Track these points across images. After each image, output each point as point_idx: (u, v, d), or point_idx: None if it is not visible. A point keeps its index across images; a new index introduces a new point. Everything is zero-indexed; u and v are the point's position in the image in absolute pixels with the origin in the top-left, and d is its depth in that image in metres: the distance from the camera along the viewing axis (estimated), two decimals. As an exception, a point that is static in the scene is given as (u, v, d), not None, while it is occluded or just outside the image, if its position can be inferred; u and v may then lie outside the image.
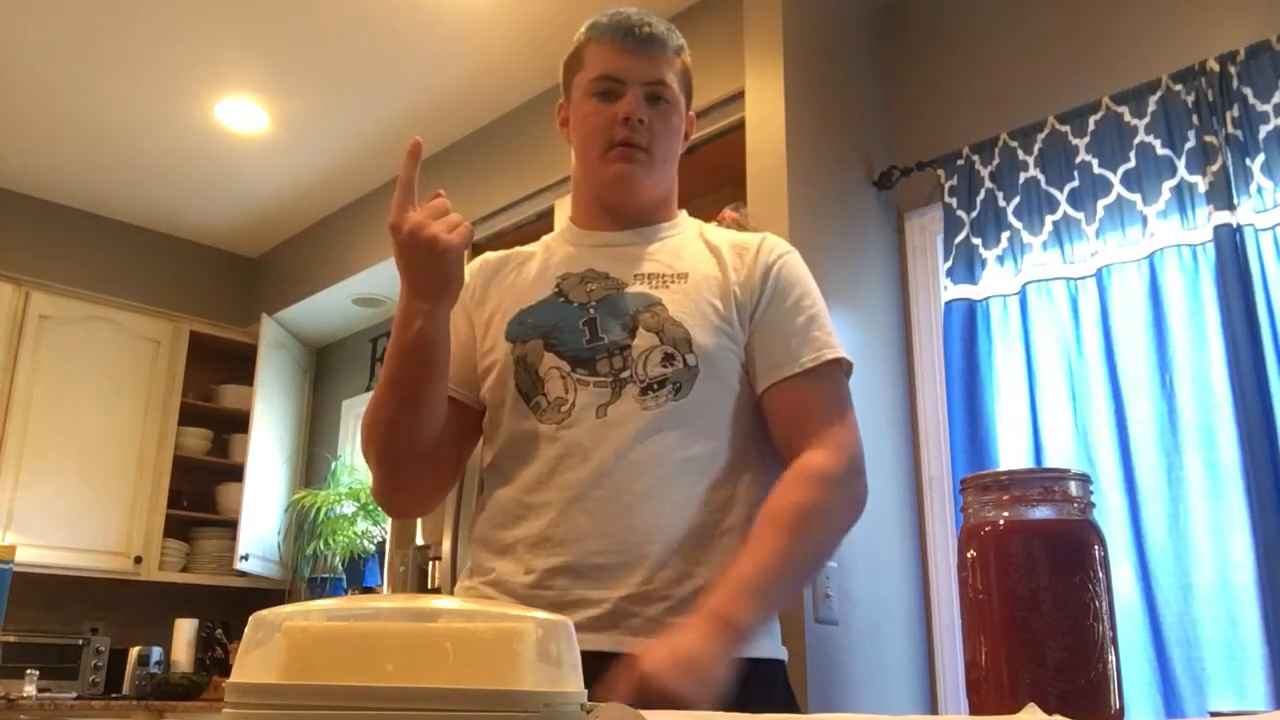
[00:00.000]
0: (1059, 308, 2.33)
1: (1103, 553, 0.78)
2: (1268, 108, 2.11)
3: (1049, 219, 2.39)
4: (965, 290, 2.48)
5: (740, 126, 2.63)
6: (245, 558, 4.21)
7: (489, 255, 1.46)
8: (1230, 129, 2.13)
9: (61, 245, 4.56)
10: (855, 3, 2.88)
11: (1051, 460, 2.24)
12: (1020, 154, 2.47)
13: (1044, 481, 0.79)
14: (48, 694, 3.84)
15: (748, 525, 1.28)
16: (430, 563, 3.35)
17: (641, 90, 1.34)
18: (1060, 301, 2.34)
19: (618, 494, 1.21)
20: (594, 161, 1.36)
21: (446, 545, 3.10)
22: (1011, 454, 2.31)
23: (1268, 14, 2.20)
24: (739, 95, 2.67)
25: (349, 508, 4.28)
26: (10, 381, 4.14)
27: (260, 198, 4.53)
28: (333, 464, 4.54)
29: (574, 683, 0.56)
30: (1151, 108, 2.27)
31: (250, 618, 0.56)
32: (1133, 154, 2.28)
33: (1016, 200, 2.45)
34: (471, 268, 1.45)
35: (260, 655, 0.54)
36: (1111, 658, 0.75)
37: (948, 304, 2.49)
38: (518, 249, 1.47)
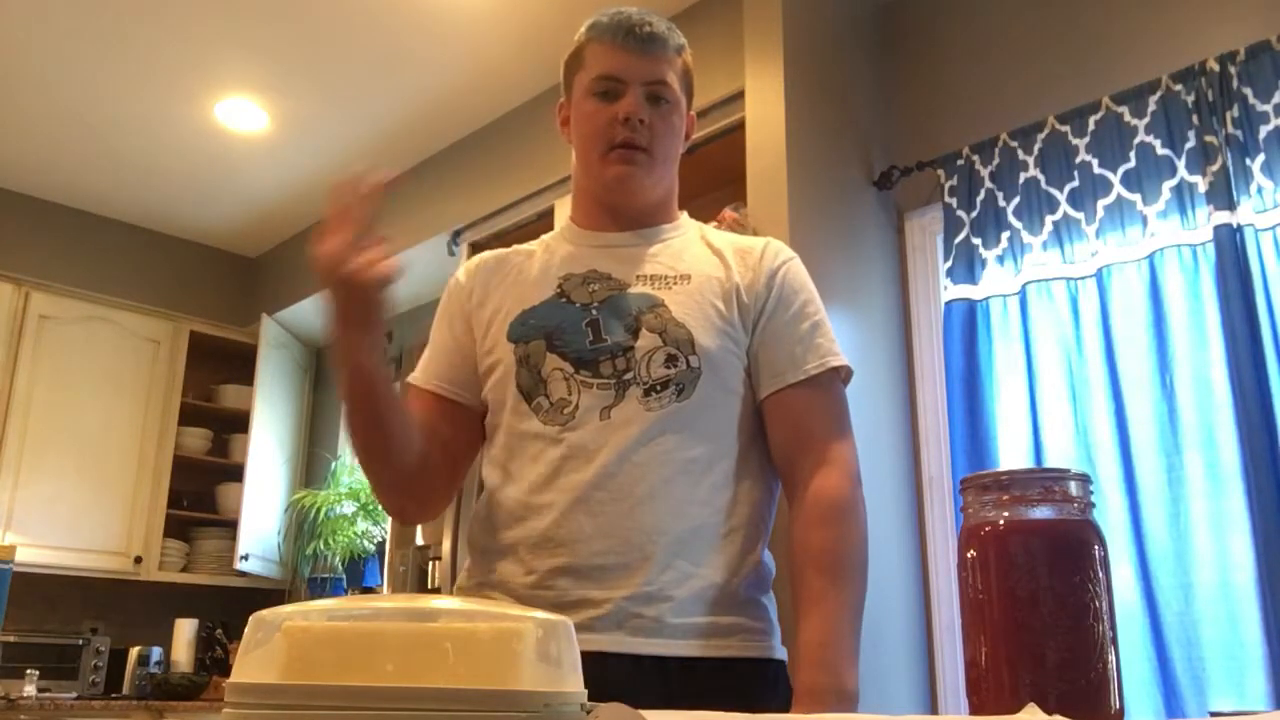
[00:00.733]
0: (1059, 308, 2.33)
1: (1103, 553, 0.78)
2: (1268, 108, 2.11)
3: (1049, 219, 2.39)
4: (965, 290, 2.48)
5: (740, 126, 2.63)
6: (245, 558, 4.21)
7: (485, 255, 1.45)
8: (1230, 129, 2.13)
9: (61, 245, 4.56)
10: (855, 3, 2.88)
11: (1051, 460, 2.24)
12: (1020, 154, 2.47)
13: (1044, 481, 0.79)
14: (48, 694, 3.84)
15: (750, 526, 1.28)
16: (430, 563, 3.35)
17: (642, 90, 1.34)
18: (1060, 301, 2.34)
19: (621, 495, 1.21)
20: (594, 162, 1.36)
21: (446, 545, 3.10)
22: (1011, 454, 2.31)
23: (1268, 14, 2.20)
24: (739, 95, 2.67)
25: (349, 508, 4.28)
26: (10, 381, 4.14)
27: (260, 198, 4.53)
28: (333, 464, 4.54)
29: (574, 683, 0.56)
30: (1151, 108, 2.27)
31: (250, 618, 0.56)
32: (1133, 154, 2.28)
33: (1016, 200, 2.45)
34: (468, 268, 1.44)
35: (260, 655, 0.54)
36: (1111, 658, 0.75)
37: (948, 304, 2.49)
38: (516, 247, 1.46)
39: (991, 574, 0.78)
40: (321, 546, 4.21)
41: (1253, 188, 2.09)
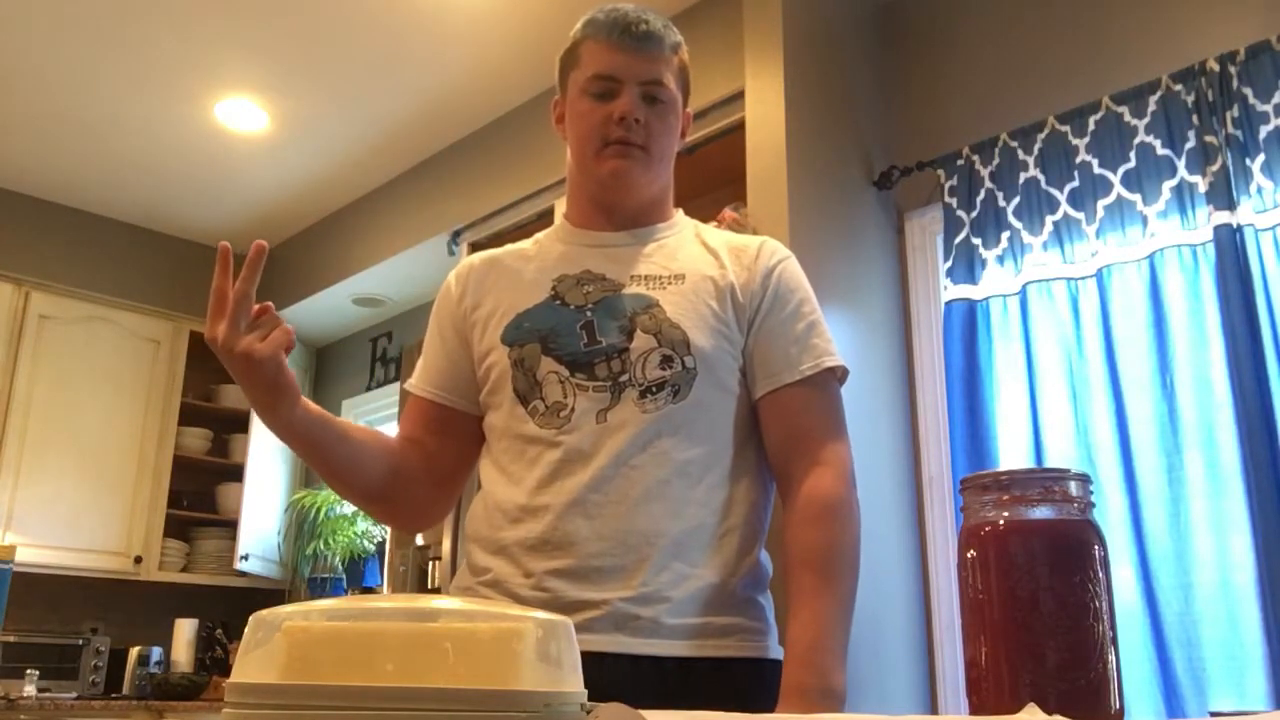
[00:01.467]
0: (1059, 308, 2.33)
1: (1103, 553, 0.78)
2: (1268, 108, 2.11)
3: (1049, 219, 2.39)
4: (965, 290, 2.48)
5: (740, 126, 2.63)
6: (245, 558, 4.21)
7: (474, 258, 1.45)
8: (1230, 129, 2.13)
9: (61, 245, 4.56)
10: (855, 2, 2.88)
11: (1051, 460, 2.24)
12: (1020, 154, 2.47)
13: (1044, 481, 0.79)
14: (48, 694, 3.84)
15: (746, 526, 1.28)
16: (430, 563, 3.35)
17: (638, 89, 1.33)
18: (1060, 301, 2.34)
19: (617, 497, 1.21)
20: (589, 159, 1.35)
21: (446, 545, 3.10)
22: (1011, 454, 2.31)
23: (1268, 14, 2.20)
24: (739, 95, 2.67)
25: (349, 508, 4.28)
26: (10, 381, 4.14)
27: (260, 198, 4.53)
28: (333, 464, 4.53)
29: (574, 683, 0.56)
30: (1151, 108, 2.27)
31: (250, 618, 0.56)
32: (1133, 154, 2.28)
33: (1016, 200, 2.45)
34: (458, 272, 1.44)
35: (260, 655, 0.54)
36: (1111, 658, 0.75)
37: (948, 304, 2.49)
38: (508, 248, 1.46)
39: (991, 574, 0.78)
40: (321, 546, 4.21)
41: (1253, 188, 2.09)
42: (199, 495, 4.64)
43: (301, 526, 4.38)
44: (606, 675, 1.08)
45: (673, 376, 1.25)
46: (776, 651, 1.29)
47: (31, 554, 3.94)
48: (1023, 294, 2.39)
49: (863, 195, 2.69)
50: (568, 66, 1.40)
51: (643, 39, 1.33)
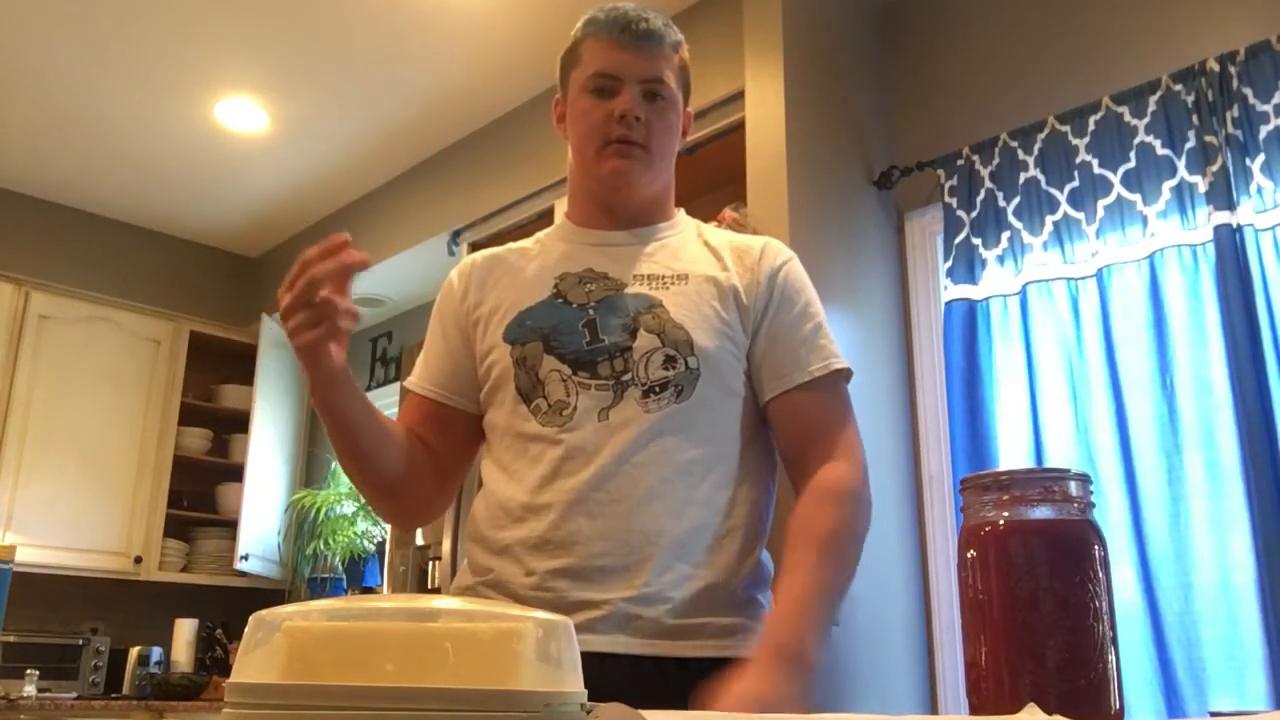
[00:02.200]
0: (1059, 308, 2.33)
1: (1103, 553, 0.78)
2: (1268, 108, 2.11)
3: (1049, 219, 2.39)
4: (965, 290, 2.48)
5: (740, 126, 2.63)
6: (245, 558, 4.21)
7: (477, 256, 1.45)
8: (1230, 129, 2.13)
9: (61, 245, 4.56)
10: (855, 3, 2.88)
11: (1052, 460, 2.24)
12: (1020, 154, 2.47)
13: (1044, 481, 0.79)
14: (48, 694, 3.84)
15: (749, 527, 1.28)
16: (430, 563, 3.35)
17: (639, 87, 1.33)
18: (1061, 301, 2.34)
19: (620, 497, 1.21)
20: (590, 158, 1.35)
21: (446, 545, 3.10)
22: (1011, 454, 2.31)
23: (1268, 14, 2.20)
24: (739, 95, 2.67)
25: (349, 508, 4.28)
26: (10, 381, 4.14)
27: (260, 198, 4.53)
28: (333, 464, 4.54)
29: (574, 683, 0.56)
30: (1151, 108, 2.27)
31: (250, 618, 0.56)
32: (1133, 154, 2.28)
33: (1016, 200, 2.45)
34: (461, 270, 1.44)
35: (260, 655, 0.54)
36: (1111, 658, 0.75)
37: (948, 304, 2.49)
38: (510, 246, 1.46)
39: (991, 574, 0.78)
40: (321, 546, 4.21)
41: (1253, 188, 2.09)
42: (199, 495, 4.64)
43: (301, 526, 4.38)
44: (608, 675, 1.08)
45: (676, 376, 1.25)
46: (778, 651, 1.29)
47: (31, 554, 3.94)
48: (1023, 294, 2.39)
49: (863, 195, 2.69)
50: (568, 65, 1.40)
51: (643, 37, 1.33)
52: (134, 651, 4.17)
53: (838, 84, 2.73)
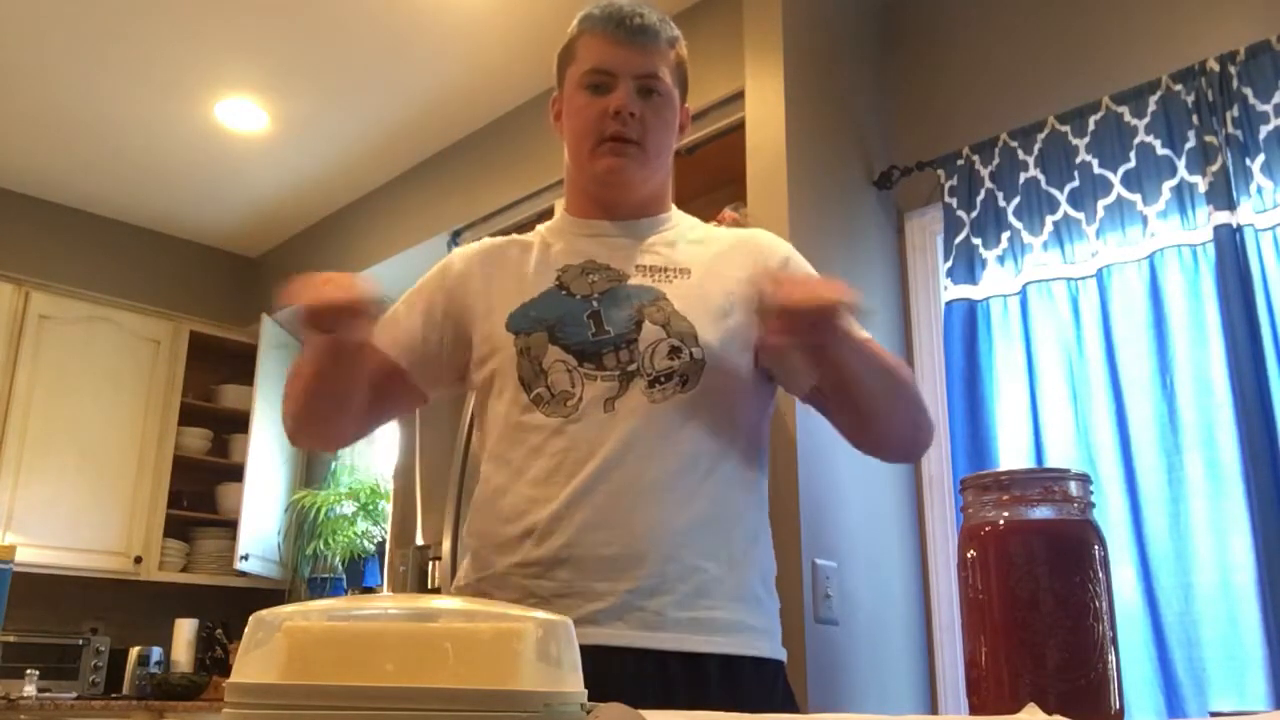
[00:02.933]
0: (1059, 308, 2.33)
1: (1103, 553, 0.78)
2: (1268, 108, 2.11)
3: (1049, 219, 2.39)
4: (965, 290, 2.48)
5: (740, 126, 2.63)
6: (245, 558, 4.20)
7: (479, 244, 1.45)
8: (1230, 129, 2.13)
9: (61, 245, 4.55)
10: (855, 3, 2.88)
11: (1052, 460, 2.24)
12: (1020, 154, 2.47)
13: (1044, 481, 0.79)
14: (48, 694, 3.84)
15: (754, 521, 1.29)
16: (430, 563, 3.35)
17: (633, 83, 1.33)
18: (1061, 301, 2.34)
19: (625, 487, 1.21)
20: (585, 155, 1.35)
21: (446, 545, 3.10)
22: (1011, 454, 2.31)
23: (1268, 14, 2.20)
24: (739, 95, 2.67)
25: (349, 508, 4.28)
26: (10, 381, 4.13)
27: (260, 198, 4.53)
28: (333, 464, 4.54)
29: (574, 683, 0.56)
30: (1151, 108, 2.27)
31: (250, 618, 0.56)
32: (1133, 154, 2.28)
33: (1017, 200, 2.45)
34: (464, 254, 1.43)
35: (260, 655, 0.54)
36: (1111, 658, 0.75)
37: (948, 304, 2.49)
38: (512, 237, 1.46)
39: (991, 574, 0.78)
40: (321, 546, 4.21)
41: (1253, 188, 2.09)
42: (199, 495, 4.64)
43: (301, 526, 4.38)
44: (610, 669, 1.08)
45: (681, 366, 1.25)
46: (780, 652, 1.29)
47: (31, 554, 3.94)
48: (1023, 294, 2.39)
49: (863, 195, 2.69)
50: (564, 62, 1.40)
51: (637, 32, 1.33)
52: (134, 651, 4.17)
53: (838, 84, 2.73)
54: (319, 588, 4.26)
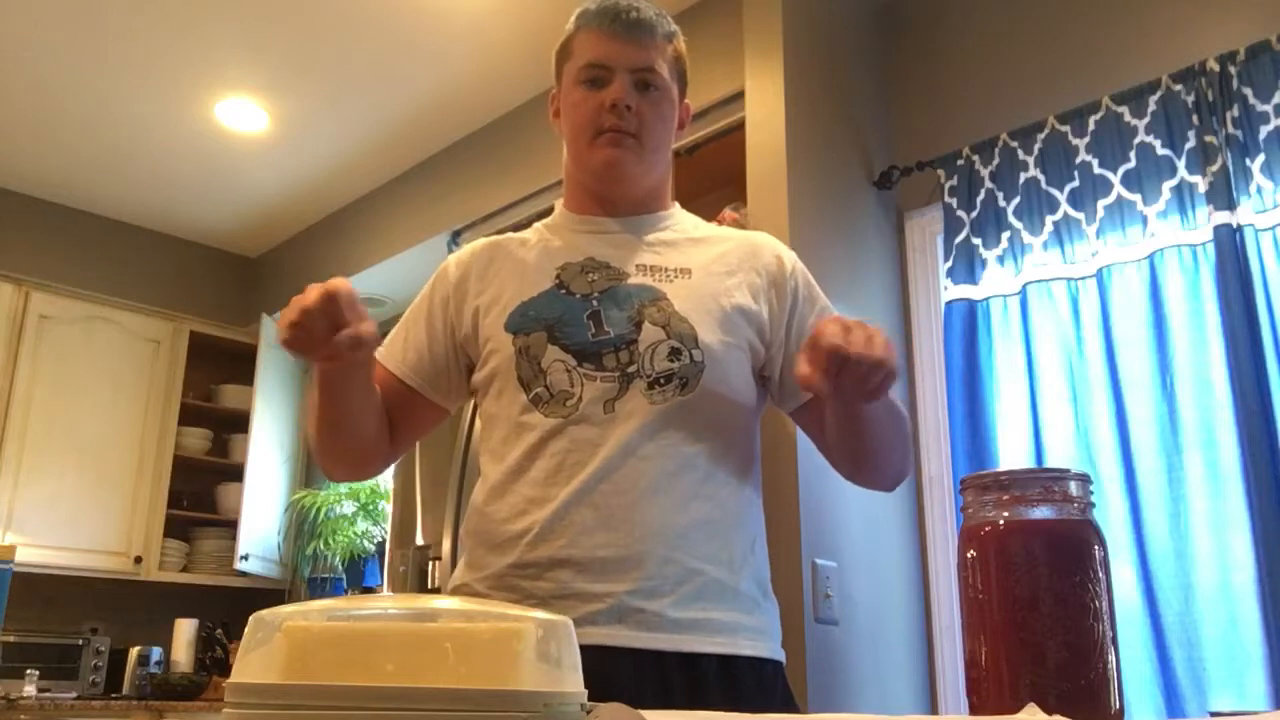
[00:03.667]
0: (1059, 308, 2.33)
1: (1103, 553, 0.78)
2: (1268, 108, 2.11)
3: (1049, 219, 2.39)
4: (965, 290, 2.48)
5: (740, 126, 2.63)
6: (245, 558, 4.21)
7: (477, 244, 1.44)
8: (1230, 129, 2.13)
9: (61, 245, 4.55)
10: (855, 2, 2.88)
11: (1052, 460, 2.24)
12: (1020, 154, 2.47)
13: (1044, 481, 0.79)
14: (48, 694, 3.84)
15: (752, 523, 1.29)
16: (430, 563, 3.35)
17: (630, 77, 1.33)
18: (1061, 302, 2.34)
19: (624, 488, 1.20)
20: (583, 149, 1.35)
21: (446, 545, 3.10)
22: (1011, 454, 2.31)
23: (1268, 14, 2.20)
24: (739, 95, 2.67)
25: (349, 508, 4.28)
26: (10, 381, 4.13)
27: (260, 198, 4.53)
28: (333, 464, 4.54)
29: (574, 683, 0.56)
30: (1151, 108, 2.27)
31: (250, 618, 0.56)
32: (1133, 154, 2.28)
33: (1017, 200, 2.45)
34: (459, 258, 1.43)
35: (260, 655, 0.54)
36: (1111, 658, 0.75)
37: (948, 304, 2.49)
38: (510, 235, 1.45)
39: (991, 574, 0.78)
40: (321, 546, 4.21)
41: (1253, 188, 2.09)
42: (199, 495, 4.64)
43: (301, 526, 4.38)
44: (608, 670, 1.08)
45: (681, 369, 1.25)
46: (778, 652, 1.29)
47: (31, 554, 3.94)
48: (1023, 294, 2.39)
49: (863, 195, 2.69)
50: (562, 59, 1.40)
51: (633, 26, 1.33)
52: (134, 651, 4.17)
53: (838, 84, 2.73)
54: (319, 588, 4.26)
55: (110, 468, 4.32)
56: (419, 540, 3.40)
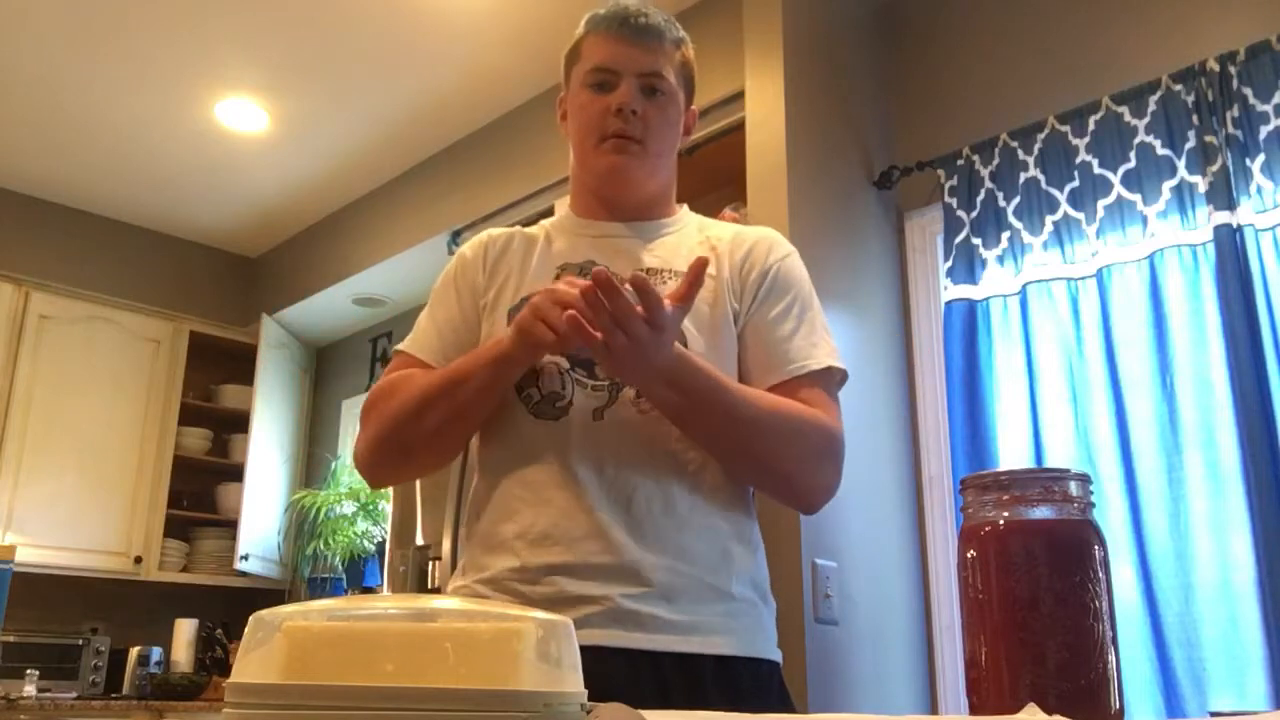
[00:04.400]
0: (1059, 308, 2.33)
1: (1103, 553, 0.78)
2: (1268, 108, 2.11)
3: (1049, 219, 2.39)
4: (965, 290, 2.48)
5: (740, 126, 2.63)
6: (245, 558, 4.21)
7: (492, 233, 1.44)
8: (1230, 129, 2.13)
9: (61, 245, 4.56)
10: (855, 2, 2.88)
11: (1051, 460, 2.24)
12: (1020, 154, 2.47)
13: (1044, 481, 0.79)
14: (48, 694, 3.84)
15: (745, 527, 1.28)
16: (430, 563, 3.35)
17: (636, 81, 1.33)
18: (1060, 302, 2.34)
19: (616, 497, 1.21)
20: (588, 153, 1.35)
21: (446, 545, 3.10)
22: (1011, 454, 2.31)
23: (1268, 14, 2.20)
24: (739, 95, 2.67)
25: (349, 508, 4.28)
26: (10, 381, 4.14)
27: (260, 198, 4.53)
28: (333, 464, 4.54)
29: (574, 683, 0.56)
30: (1151, 108, 2.27)
31: (250, 618, 0.56)
32: (1133, 154, 2.28)
33: (1016, 200, 2.45)
34: (475, 245, 1.42)
35: (260, 655, 0.54)
36: (1111, 658, 0.75)
37: (948, 304, 2.49)
38: (520, 230, 1.45)
39: (991, 574, 0.78)
40: (321, 546, 4.21)
41: (1253, 188, 2.09)
42: (199, 495, 4.64)
43: (301, 526, 4.38)
44: (605, 671, 1.08)
45: None
46: (775, 653, 1.29)
47: (31, 554, 3.94)
48: (1023, 294, 2.39)
49: (863, 195, 2.69)
50: (570, 62, 1.41)
51: (641, 31, 1.33)
52: (134, 651, 4.17)
53: (838, 84, 2.73)
54: (319, 588, 4.26)
55: (110, 468, 4.32)
56: (419, 540, 3.40)
